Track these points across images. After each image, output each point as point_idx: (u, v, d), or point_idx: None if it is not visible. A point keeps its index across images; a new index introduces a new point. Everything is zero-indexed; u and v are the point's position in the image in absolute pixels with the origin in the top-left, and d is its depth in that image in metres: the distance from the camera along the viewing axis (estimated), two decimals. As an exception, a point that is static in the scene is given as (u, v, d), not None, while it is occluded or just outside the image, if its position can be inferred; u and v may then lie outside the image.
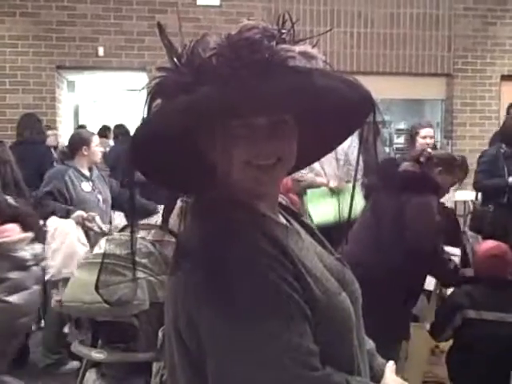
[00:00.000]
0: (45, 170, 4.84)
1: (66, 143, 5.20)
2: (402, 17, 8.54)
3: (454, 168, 3.32)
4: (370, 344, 1.31)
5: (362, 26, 8.41)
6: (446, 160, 3.34)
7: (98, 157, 4.62)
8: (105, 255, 2.72)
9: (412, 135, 5.13)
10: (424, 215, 3.00)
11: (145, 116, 1.04)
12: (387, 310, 2.80)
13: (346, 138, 1.25)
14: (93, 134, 4.76)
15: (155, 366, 2.56)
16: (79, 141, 4.51)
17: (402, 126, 9.55)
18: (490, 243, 3.29)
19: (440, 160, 3.31)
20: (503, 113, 8.59)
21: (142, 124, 1.04)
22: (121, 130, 7.76)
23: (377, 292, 2.36)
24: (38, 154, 5.45)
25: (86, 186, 4.43)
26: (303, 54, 1.02)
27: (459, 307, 3.10)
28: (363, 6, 8.40)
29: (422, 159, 3.29)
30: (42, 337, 4.50)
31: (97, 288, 2.45)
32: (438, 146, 6.65)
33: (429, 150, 3.43)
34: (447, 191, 3.45)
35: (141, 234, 3.07)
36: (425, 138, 5.00)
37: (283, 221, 1.20)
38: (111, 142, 8.08)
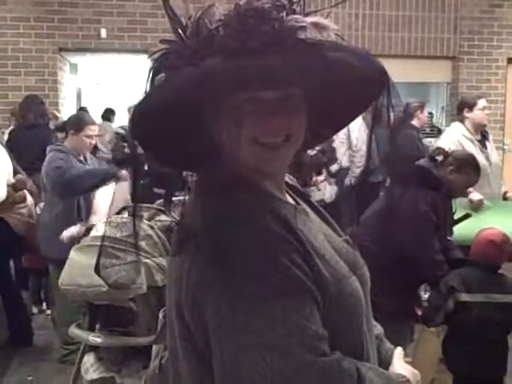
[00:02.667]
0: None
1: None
2: (407, -2, 8.44)
3: (467, 168, 3.26)
4: (378, 329, 1.29)
5: (367, 7, 8.32)
6: (460, 159, 3.28)
7: (86, 146, 4.27)
8: (104, 238, 2.70)
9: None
10: (411, 211, 2.99)
11: (148, 89, 1.00)
12: (394, 295, 2.79)
13: (358, 115, 1.21)
14: (90, 122, 4.39)
15: (155, 348, 2.54)
16: (75, 123, 4.29)
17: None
18: (492, 229, 3.27)
19: (454, 159, 3.26)
20: (509, 96, 8.52)
21: (144, 97, 1.00)
22: None
23: (384, 277, 2.36)
24: (42, 138, 5.39)
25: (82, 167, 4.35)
26: (315, 24, 0.97)
27: (451, 290, 3.09)
28: (369, -13, 8.30)
29: (437, 157, 3.25)
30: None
31: (97, 271, 2.44)
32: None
33: (446, 148, 3.39)
34: (462, 191, 3.40)
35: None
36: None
37: (291, 201, 1.16)
38: (114, 125, 8.05)
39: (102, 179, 3.91)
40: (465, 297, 3.07)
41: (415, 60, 8.48)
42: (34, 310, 4.98)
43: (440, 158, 3.26)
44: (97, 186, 3.91)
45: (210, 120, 1.06)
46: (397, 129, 4.34)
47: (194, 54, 0.95)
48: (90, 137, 4.20)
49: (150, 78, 1.00)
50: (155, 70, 1.00)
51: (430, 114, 9.40)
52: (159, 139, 1.06)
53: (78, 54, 8.37)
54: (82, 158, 4.24)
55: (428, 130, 9.00)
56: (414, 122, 5.91)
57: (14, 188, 4.03)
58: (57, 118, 7.10)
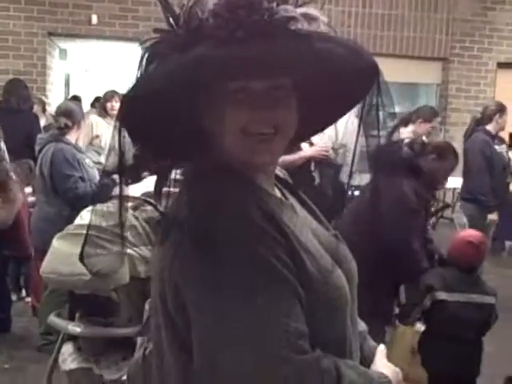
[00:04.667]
0: (33, 139, 4.73)
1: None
2: (401, -2, 8.46)
3: (448, 155, 3.31)
4: (362, 326, 1.27)
5: (360, 5, 8.34)
6: (439, 147, 3.34)
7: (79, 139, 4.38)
8: (90, 226, 2.66)
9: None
10: (392, 198, 2.98)
11: (138, 77, 0.99)
12: (378, 292, 2.79)
13: (349, 109, 1.20)
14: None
15: (139, 339, 2.53)
16: (80, 116, 4.34)
17: (396, 109, 9.51)
18: (471, 231, 3.41)
19: (433, 147, 3.31)
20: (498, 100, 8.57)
21: (134, 84, 0.99)
22: None
23: (365, 274, 2.35)
24: (26, 123, 5.34)
25: (89, 161, 4.35)
26: (305, 15, 0.97)
27: (430, 289, 3.13)
28: (362, -15, 8.31)
29: (415, 146, 3.27)
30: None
31: (81, 259, 2.41)
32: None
33: (423, 138, 3.42)
34: (444, 178, 3.42)
35: (125, 205, 3.02)
36: None
37: (278, 194, 1.15)
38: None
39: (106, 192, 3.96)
40: (442, 295, 3.11)
41: (406, 60, 8.52)
42: (13, 296, 4.93)
43: (417, 147, 3.29)
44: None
45: (199, 109, 1.06)
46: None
47: (184, 42, 0.95)
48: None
49: (141, 66, 0.99)
50: (147, 59, 0.99)
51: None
52: (148, 128, 1.05)
53: (68, 40, 8.31)
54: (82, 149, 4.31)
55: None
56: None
57: None
58: (44, 103, 7.03)
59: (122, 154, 1.04)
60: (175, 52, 0.95)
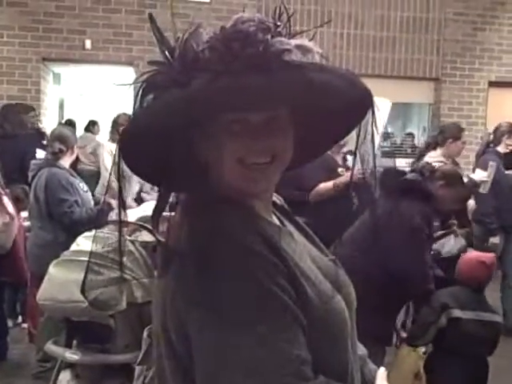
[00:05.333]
0: (26, 164, 4.74)
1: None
2: (392, 19, 8.54)
3: (456, 183, 3.30)
4: (361, 349, 1.28)
5: (352, 27, 8.41)
6: (448, 174, 3.32)
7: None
8: (91, 254, 2.65)
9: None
10: (403, 224, 2.99)
11: (136, 110, 1.01)
12: (380, 314, 2.78)
13: (345, 136, 1.22)
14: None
15: (137, 368, 2.51)
16: (74, 141, 4.39)
17: (388, 129, 9.55)
18: (481, 253, 3.49)
19: (442, 174, 3.30)
20: (490, 119, 8.63)
21: (132, 118, 1.02)
22: None
23: (369, 295, 2.36)
24: (19, 149, 5.36)
25: (83, 185, 4.36)
26: (299, 47, 0.99)
27: (445, 307, 3.16)
28: (354, 7, 8.40)
29: (425, 172, 3.27)
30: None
31: (83, 289, 2.42)
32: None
33: (434, 163, 3.44)
34: (450, 207, 3.40)
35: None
36: None
37: (276, 221, 1.16)
38: (97, 138, 8.00)
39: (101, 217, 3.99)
40: (458, 313, 3.15)
41: (398, 80, 8.57)
42: (10, 323, 4.90)
43: (427, 172, 3.29)
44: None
45: (197, 140, 1.07)
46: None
47: (180, 75, 0.96)
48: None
49: (138, 99, 1.00)
50: (143, 91, 1.00)
51: (411, 134, 9.48)
52: (147, 160, 1.06)
53: (62, 65, 8.34)
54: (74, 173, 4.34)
55: (409, 150, 9.08)
56: (500, 148, 5.38)
57: None
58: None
59: (120, 183, 1.05)
60: (172, 85, 0.96)
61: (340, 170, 4.06)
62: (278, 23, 1.00)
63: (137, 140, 0.99)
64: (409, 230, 3.00)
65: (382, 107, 6.99)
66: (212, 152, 1.05)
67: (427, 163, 3.54)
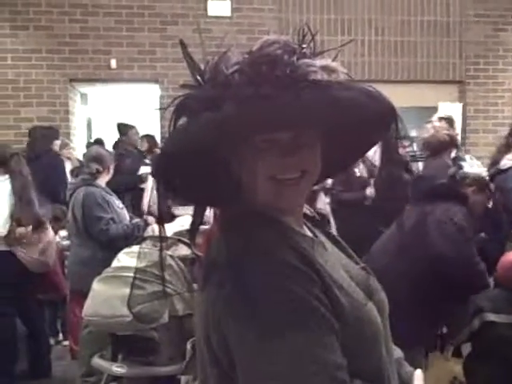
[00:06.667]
0: (52, 183, 4.87)
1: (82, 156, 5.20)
2: (412, 24, 8.54)
3: (486, 187, 3.39)
4: (398, 353, 1.30)
5: (372, 34, 8.42)
6: (478, 180, 3.40)
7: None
8: (137, 270, 2.71)
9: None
10: (448, 227, 3.01)
11: (171, 133, 1.05)
12: (422, 320, 2.80)
13: (370, 149, 1.27)
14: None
15: (183, 378, 2.56)
16: (110, 160, 4.52)
17: (414, 133, 9.51)
18: None
19: (473, 180, 3.36)
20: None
21: (167, 141, 1.07)
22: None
23: (400, 301, 2.38)
24: (41, 171, 5.50)
25: (119, 203, 4.45)
26: (324, 68, 1.02)
27: (479, 310, 3.14)
28: (374, 14, 8.41)
29: (457, 177, 3.32)
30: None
31: (129, 306, 2.49)
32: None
33: (464, 170, 3.47)
34: (481, 211, 3.43)
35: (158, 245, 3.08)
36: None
37: (309, 233, 1.20)
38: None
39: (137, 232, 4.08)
40: (491, 317, 3.12)
41: (422, 85, 8.55)
42: (51, 341, 4.99)
43: (459, 178, 3.33)
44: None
45: (230, 160, 1.12)
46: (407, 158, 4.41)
47: (212, 99, 1.00)
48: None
49: (172, 123, 1.05)
50: (177, 115, 1.05)
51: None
52: (182, 180, 1.11)
53: (89, 85, 8.47)
54: (110, 191, 4.43)
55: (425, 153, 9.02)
56: None
57: (17, 223, 4.06)
58: (67, 145, 7.19)
59: (160, 204, 1.11)
60: (204, 108, 1.00)
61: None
62: (303, 45, 1.04)
63: (171, 160, 1.04)
64: (455, 230, 3.02)
65: (454, 111, 6.90)
66: (244, 170, 1.10)
67: (456, 171, 3.56)
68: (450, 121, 4.18)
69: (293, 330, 0.96)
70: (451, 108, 7.35)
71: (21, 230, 4.00)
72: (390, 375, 1.13)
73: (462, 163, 4.18)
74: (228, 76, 1.01)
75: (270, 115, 0.97)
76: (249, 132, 1.03)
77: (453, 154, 4.37)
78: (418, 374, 1.28)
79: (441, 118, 4.20)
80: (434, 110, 9.46)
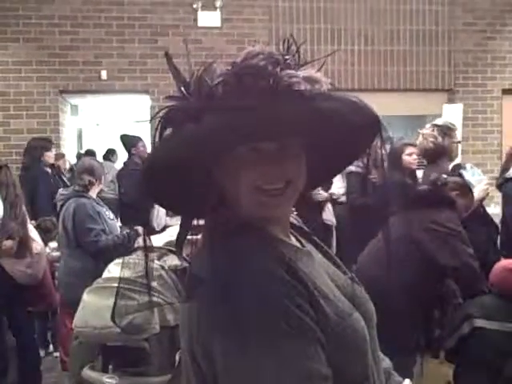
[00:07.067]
0: (36, 194, 4.88)
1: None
2: (401, 34, 8.60)
3: (469, 193, 3.41)
4: (386, 363, 1.31)
5: (362, 43, 8.47)
6: (460, 184, 3.42)
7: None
8: (121, 280, 2.70)
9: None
10: (446, 233, 3.03)
11: (155, 145, 1.06)
12: (401, 325, 2.80)
13: (356, 158, 1.26)
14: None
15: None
16: (102, 172, 4.54)
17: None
18: (510, 260, 3.38)
19: (456, 184, 3.38)
20: (505, 126, 8.63)
21: (152, 153, 1.07)
22: None
23: (391, 308, 2.38)
24: (29, 183, 5.52)
25: (109, 214, 4.45)
26: (307, 79, 1.03)
27: (469, 316, 3.13)
28: (363, 23, 8.46)
29: (439, 183, 3.33)
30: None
31: (113, 316, 2.47)
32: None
33: (444, 175, 3.48)
34: (462, 215, 3.46)
35: (150, 256, 3.08)
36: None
37: (295, 243, 1.20)
38: (116, 166, 8.11)
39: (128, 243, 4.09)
40: (481, 323, 3.10)
41: (411, 93, 8.60)
42: (41, 352, 4.96)
43: (440, 183, 3.34)
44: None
45: (214, 170, 1.12)
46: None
47: (196, 110, 1.01)
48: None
49: (157, 135, 1.06)
50: (161, 126, 1.05)
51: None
52: (167, 189, 1.11)
53: (79, 96, 8.48)
54: (100, 202, 4.44)
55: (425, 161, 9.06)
56: None
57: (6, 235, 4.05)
58: (63, 156, 7.20)
59: (145, 211, 1.11)
60: (189, 120, 1.00)
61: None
62: (286, 56, 1.05)
63: (156, 172, 1.05)
64: (454, 235, 3.04)
65: (454, 112, 6.88)
66: (229, 180, 1.09)
67: (440, 176, 3.56)
68: (444, 128, 4.14)
69: (277, 341, 0.96)
70: (454, 109, 7.35)
71: (8, 242, 3.99)
72: None
73: (462, 171, 4.21)
74: (212, 88, 1.02)
75: (253, 127, 0.97)
76: (231, 144, 1.04)
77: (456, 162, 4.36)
78: None
79: (434, 126, 4.19)
80: (424, 118, 9.56)
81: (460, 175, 4.11)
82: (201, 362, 1.02)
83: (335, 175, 1.36)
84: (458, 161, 4.62)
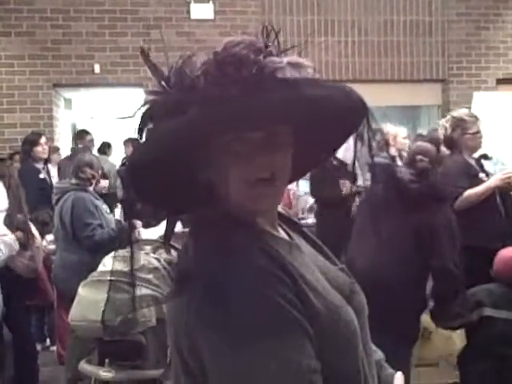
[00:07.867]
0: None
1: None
2: (395, 24, 8.59)
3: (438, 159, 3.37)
4: (378, 355, 1.30)
5: (356, 34, 8.46)
6: (423, 149, 3.35)
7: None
8: (112, 273, 2.71)
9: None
10: (448, 232, 3.01)
11: (137, 142, 1.04)
12: (399, 318, 2.80)
13: (341, 145, 1.23)
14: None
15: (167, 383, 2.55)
16: (100, 166, 4.58)
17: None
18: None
19: (420, 150, 3.32)
20: (499, 116, 8.62)
21: (135, 150, 1.06)
22: None
23: (390, 302, 2.39)
24: (23, 176, 5.54)
25: (106, 208, 4.45)
26: (292, 64, 1.01)
27: (479, 304, 3.13)
28: (357, 15, 8.45)
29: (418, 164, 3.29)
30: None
31: (103, 321, 2.47)
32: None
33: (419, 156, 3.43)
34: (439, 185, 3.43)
35: (146, 249, 3.08)
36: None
37: (283, 235, 1.18)
38: (111, 159, 8.09)
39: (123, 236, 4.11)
40: (490, 311, 3.11)
41: (405, 84, 8.60)
42: (38, 347, 4.96)
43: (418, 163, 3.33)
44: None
45: (200, 163, 1.09)
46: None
47: (178, 103, 0.98)
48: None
49: (139, 130, 1.03)
50: (143, 122, 1.03)
51: (422, 135, 9.48)
52: (153, 187, 1.09)
53: (73, 90, 8.45)
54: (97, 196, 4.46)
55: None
56: None
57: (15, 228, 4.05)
58: (57, 150, 7.18)
59: (130, 213, 1.10)
60: (171, 113, 0.98)
61: (481, 175, 3.95)
62: (268, 43, 1.03)
63: (139, 169, 1.02)
64: (443, 234, 3.03)
65: (486, 100, 6.61)
66: (215, 172, 1.07)
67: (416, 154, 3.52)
68: (457, 119, 4.07)
69: (265, 335, 0.95)
70: (485, 97, 6.88)
71: (18, 234, 3.98)
72: (368, 377, 1.12)
73: (483, 161, 4.15)
74: (193, 79, 0.99)
75: (237, 117, 0.95)
76: (215, 135, 1.01)
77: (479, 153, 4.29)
78: (398, 377, 1.27)
79: (451, 117, 4.13)
80: (418, 108, 9.57)
81: (482, 166, 4.08)
82: (187, 357, 1.01)
83: (320, 163, 1.33)
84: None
